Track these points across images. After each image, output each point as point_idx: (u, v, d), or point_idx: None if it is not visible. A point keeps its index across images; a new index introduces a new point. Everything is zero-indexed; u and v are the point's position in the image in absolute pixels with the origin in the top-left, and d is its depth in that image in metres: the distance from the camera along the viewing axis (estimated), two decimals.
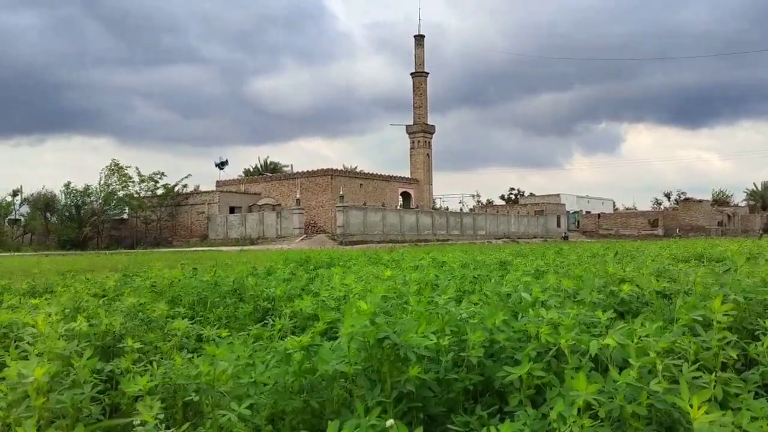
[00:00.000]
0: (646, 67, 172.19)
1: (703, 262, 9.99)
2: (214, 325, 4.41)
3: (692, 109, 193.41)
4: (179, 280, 6.12)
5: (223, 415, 2.17)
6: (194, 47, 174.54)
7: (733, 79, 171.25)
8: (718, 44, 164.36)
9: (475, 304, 3.54)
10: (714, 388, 2.10)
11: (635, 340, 2.23)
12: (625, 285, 3.47)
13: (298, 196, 58.15)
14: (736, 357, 2.41)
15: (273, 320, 4.09)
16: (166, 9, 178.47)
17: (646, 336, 2.24)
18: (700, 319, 2.60)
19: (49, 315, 3.08)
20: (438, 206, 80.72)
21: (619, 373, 2.08)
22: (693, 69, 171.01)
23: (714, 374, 2.14)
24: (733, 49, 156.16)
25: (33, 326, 2.90)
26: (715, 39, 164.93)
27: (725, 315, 2.44)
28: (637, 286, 3.70)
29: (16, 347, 2.88)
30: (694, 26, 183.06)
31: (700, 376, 2.12)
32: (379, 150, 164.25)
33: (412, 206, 68.98)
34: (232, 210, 62.75)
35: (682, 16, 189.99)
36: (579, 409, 1.95)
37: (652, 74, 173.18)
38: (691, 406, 1.76)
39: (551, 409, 2.11)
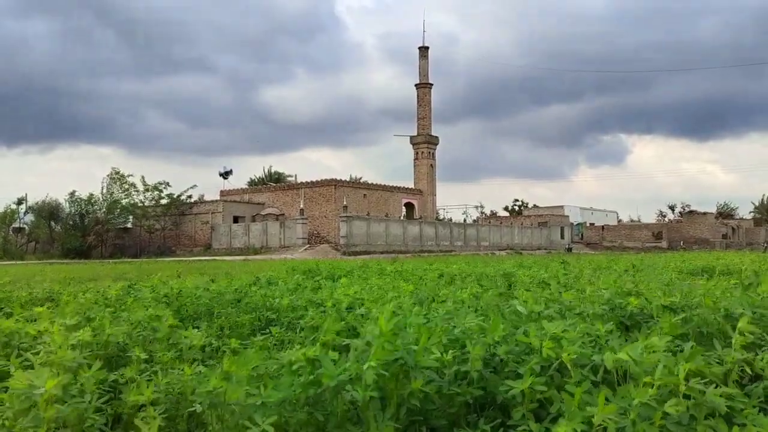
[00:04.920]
0: (657, 78, 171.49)
1: (706, 275, 9.95)
2: (217, 335, 4.41)
3: (702, 121, 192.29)
4: (185, 290, 6.12)
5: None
6: (205, 57, 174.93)
7: (745, 91, 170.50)
8: (733, 56, 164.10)
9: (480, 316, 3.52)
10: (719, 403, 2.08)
11: (647, 356, 2.21)
12: (632, 298, 3.44)
13: (301, 206, 58.20)
14: (749, 372, 2.39)
15: (274, 330, 4.09)
16: (178, 19, 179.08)
17: (666, 352, 2.22)
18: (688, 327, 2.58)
19: (52, 323, 3.08)
20: (441, 217, 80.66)
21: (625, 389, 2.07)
22: (705, 80, 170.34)
23: (720, 389, 2.12)
24: (749, 61, 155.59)
25: (44, 335, 2.90)
26: (731, 51, 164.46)
27: (744, 335, 2.42)
28: (646, 299, 3.67)
29: (18, 356, 2.88)
30: (709, 37, 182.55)
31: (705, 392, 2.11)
32: (385, 160, 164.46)
33: (415, 217, 68.95)
34: (235, 219, 62.83)
35: (697, 27, 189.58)
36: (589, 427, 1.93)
37: (664, 85, 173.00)
38: None
39: (551, 422, 2.10)
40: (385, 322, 2.32)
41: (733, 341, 2.42)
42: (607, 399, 2.01)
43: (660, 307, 3.57)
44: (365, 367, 2.20)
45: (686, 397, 2.08)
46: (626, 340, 2.47)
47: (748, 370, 2.38)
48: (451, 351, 2.48)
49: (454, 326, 2.92)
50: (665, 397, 2.04)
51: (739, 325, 2.43)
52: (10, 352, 3.27)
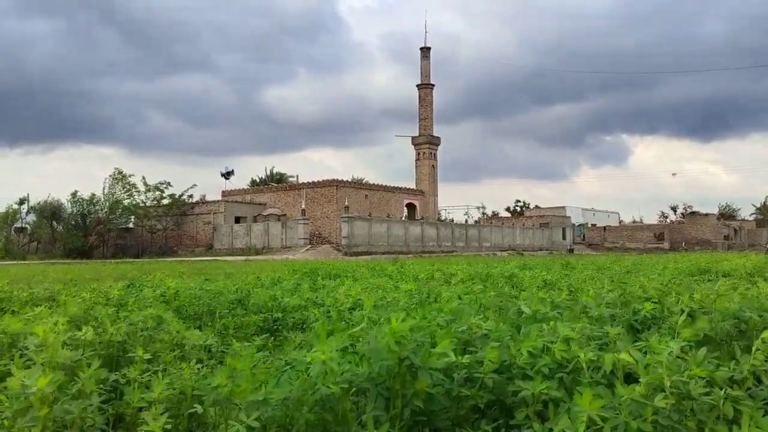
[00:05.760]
0: (660, 78, 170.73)
1: (708, 276, 9.94)
2: (222, 335, 4.41)
3: (705, 121, 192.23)
4: (186, 290, 6.12)
5: (232, 426, 2.16)
6: (208, 57, 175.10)
7: (749, 91, 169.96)
8: (736, 56, 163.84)
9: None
10: (723, 405, 2.08)
11: (649, 357, 2.20)
12: (648, 304, 3.42)
13: (303, 206, 58.21)
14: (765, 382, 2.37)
15: (281, 331, 4.09)
16: (181, 19, 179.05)
17: (663, 353, 2.21)
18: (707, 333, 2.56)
19: (56, 324, 3.07)
20: (443, 218, 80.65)
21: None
22: (708, 81, 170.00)
23: (723, 391, 2.11)
24: (753, 61, 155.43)
25: (36, 335, 2.89)
26: (734, 51, 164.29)
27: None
28: (659, 302, 3.66)
29: (21, 356, 2.87)
30: (712, 38, 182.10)
31: (709, 392, 2.10)
32: (387, 161, 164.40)
33: (417, 217, 68.94)
34: (237, 220, 62.87)
35: (700, 27, 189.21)
36: (586, 425, 1.93)
37: (667, 85, 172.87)
38: None
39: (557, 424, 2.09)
40: (398, 323, 2.31)
41: (753, 349, 2.39)
42: (601, 397, 2.01)
43: (680, 311, 3.54)
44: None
45: (688, 399, 2.09)
46: (635, 342, 2.46)
47: (765, 379, 2.36)
48: (466, 356, 2.47)
49: (460, 328, 2.91)
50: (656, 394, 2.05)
51: (763, 335, 2.40)
52: (14, 352, 3.26)
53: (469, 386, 2.43)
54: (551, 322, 2.70)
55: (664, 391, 2.04)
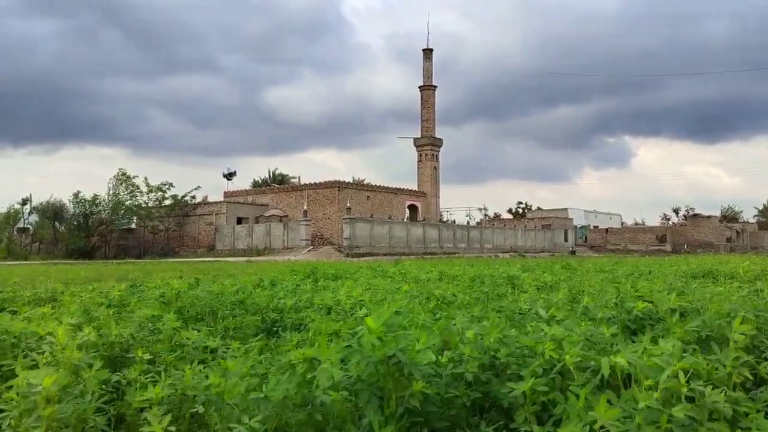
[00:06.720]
0: (664, 80, 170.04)
1: (714, 279, 9.93)
2: (222, 335, 4.41)
3: (708, 123, 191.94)
4: (186, 291, 6.13)
5: (232, 428, 2.16)
6: (212, 57, 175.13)
7: (753, 94, 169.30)
8: (740, 58, 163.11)
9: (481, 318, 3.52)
10: (722, 406, 2.08)
11: (646, 359, 2.19)
12: (640, 303, 3.43)
13: (305, 207, 58.20)
14: (750, 377, 2.37)
15: (281, 332, 4.09)
16: (185, 19, 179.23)
17: (660, 354, 2.21)
18: (696, 332, 2.55)
19: (60, 324, 3.09)
20: (445, 219, 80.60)
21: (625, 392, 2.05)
22: (711, 83, 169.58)
23: (724, 393, 2.11)
24: (757, 63, 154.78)
25: (52, 336, 2.90)
26: (737, 52, 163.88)
27: (742, 334, 2.40)
28: (652, 303, 3.67)
29: (25, 356, 2.88)
30: (715, 39, 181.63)
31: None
32: (389, 162, 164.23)
33: (418, 219, 68.90)
34: (239, 221, 62.87)
35: (703, 29, 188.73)
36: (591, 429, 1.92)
37: (670, 88, 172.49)
38: None
39: (553, 425, 2.09)
40: (375, 321, 2.31)
41: (731, 343, 2.40)
42: (609, 402, 2.00)
43: (669, 311, 3.55)
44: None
45: (689, 399, 2.08)
46: (632, 343, 2.46)
47: (748, 374, 2.36)
48: (447, 353, 2.47)
49: (454, 324, 2.92)
50: (668, 399, 2.03)
51: (734, 326, 2.41)
52: (19, 352, 3.27)
53: (455, 386, 2.44)
54: (543, 323, 2.70)
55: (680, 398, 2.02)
